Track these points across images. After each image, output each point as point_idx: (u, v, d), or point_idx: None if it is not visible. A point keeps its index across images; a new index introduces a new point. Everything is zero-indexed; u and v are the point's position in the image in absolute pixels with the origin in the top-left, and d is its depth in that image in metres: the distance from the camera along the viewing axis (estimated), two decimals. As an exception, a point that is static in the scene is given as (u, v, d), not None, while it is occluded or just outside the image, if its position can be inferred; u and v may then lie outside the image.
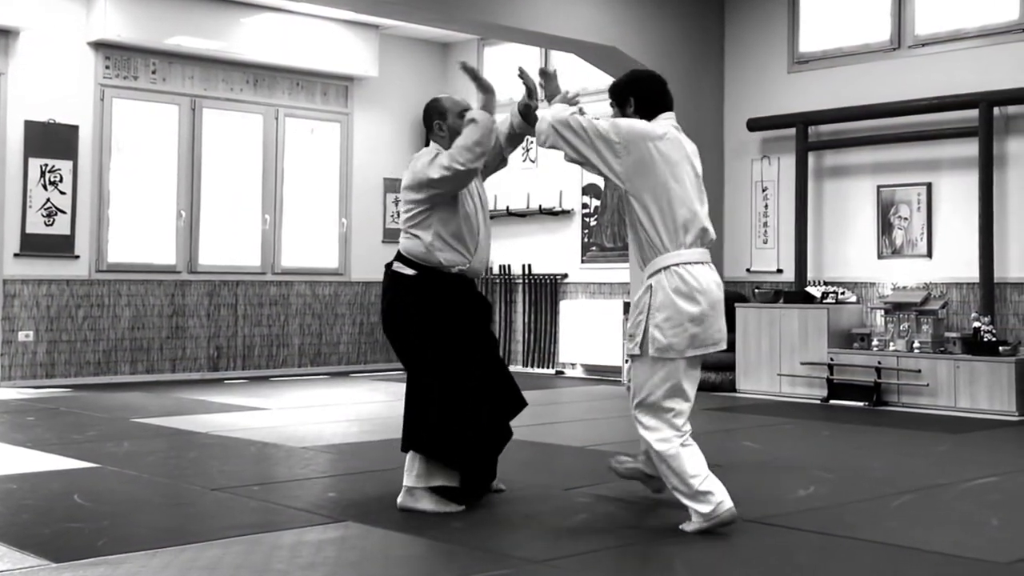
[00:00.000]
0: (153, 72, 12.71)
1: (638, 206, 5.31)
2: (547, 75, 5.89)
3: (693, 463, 5.15)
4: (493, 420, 5.77)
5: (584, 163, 5.40)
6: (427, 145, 5.96)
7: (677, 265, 5.28)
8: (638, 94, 5.58)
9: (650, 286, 5.28)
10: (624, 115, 5.53)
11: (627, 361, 5.47)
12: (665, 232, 5.30)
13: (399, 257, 5.75)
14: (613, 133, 5.31)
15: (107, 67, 12.38)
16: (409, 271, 5.69)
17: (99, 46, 12.31)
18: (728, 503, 5.10)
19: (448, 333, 5.67)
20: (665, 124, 5.53)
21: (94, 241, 12.21)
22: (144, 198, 12.67)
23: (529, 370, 13.81)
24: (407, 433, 5.62)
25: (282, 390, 11.62)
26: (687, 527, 5.12)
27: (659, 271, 5.28)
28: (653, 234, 5.30)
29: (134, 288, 12.50)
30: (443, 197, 5.69)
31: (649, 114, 5.53)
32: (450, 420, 5.57)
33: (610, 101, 5.66)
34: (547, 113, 5.46)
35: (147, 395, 11.00)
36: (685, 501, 5.13)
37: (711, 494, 5.09)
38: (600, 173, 5.36)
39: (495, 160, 6.12)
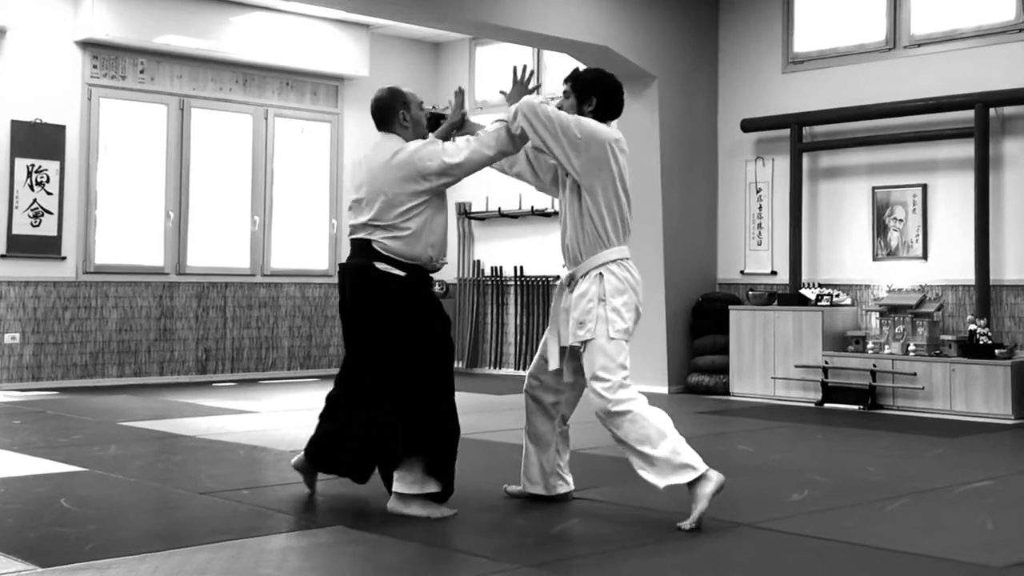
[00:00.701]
0: (141, 71, 12.70)
1: (590, 201, 5.57)
2: (457, 94, 6.20)
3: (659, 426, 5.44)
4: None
5: (546, 151, 5.62)
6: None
7: (625, 259, 5.62)
8: (603, 96, 5.74)
9: (600, 275, 5.54)
10: (580, 109, 5.70)
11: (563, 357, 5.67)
12: (612, 227, 5.59)
13: (380, 257, 5.60)
14: (576, 129, 5.52)
15: (95, 66, 12.37)
16: (398, 272, 5.61)
17: (86, 45, 12.30)
18: None
19: (438, 337, 5.70)
20: (616, 130, 5.73)
21: (81, 242, 12.20)
22: (132, 199, 12.66)
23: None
24: (410, 439, 5.49)
25: (271, 393, 11.61)
26: (699, 505, 5.30)
27: (609, 263, 5.56)
28: (601, 228, 5.58)
29: (122, 290, 12.48)
30: (440, 190, 5.71)
31: (605, 118, 5.73)
32: (448, 425, 5.59)
33: (566, 88, 5.78)
34: (521, 100, 5.63)
35: (135, 398, 10.99)
36: (673, 461, 5.34)
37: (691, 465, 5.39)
38: (559, 163, 5.60)
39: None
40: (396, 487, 5.54)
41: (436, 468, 5.54)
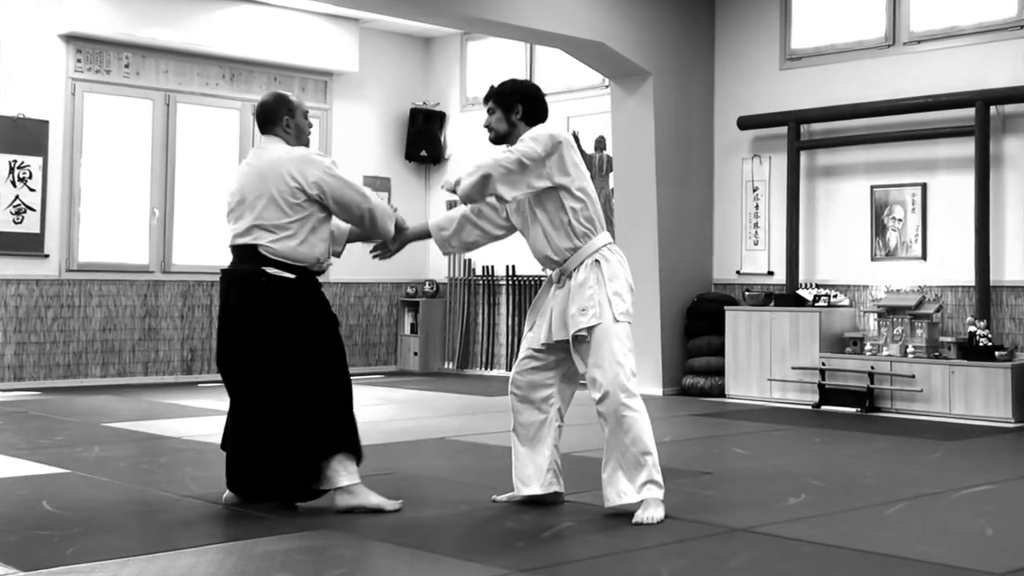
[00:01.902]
0: (126, 66, 12.68)
1: (570, 197, 5.62)
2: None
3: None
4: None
5: (535, 189, 5.63)
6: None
7: (612, 244, 5.72)
8: (526, 101, 5.80)
9: (596, 261, 5.61)
10: (508, 119, 5.76)
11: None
12: (594, 215, 5.69)
13: (268, 262, 5.67)
14: (540, 148, 5.56)
15: (79, 60, 12.35)
16: (288, 275, 5.69)
17: (70, 39, 12.28)
18: None
19: (331, 335, 5.80)
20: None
21: (64, 240, 12.18)
22: (116, 195, 12.64)
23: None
24: (329, 438, 5.63)
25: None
26: (654, 514, 5.43)
27: (600, 248, 5.65)
28: (585, 219, 5.65)
29: (105, 288, 12.47)
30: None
31: (534, 122, 5.77)
32: (353, 420, 5.75)
33: (489, 105, 5.83)
34: (468, 183, 5.55)
35: (118, 399, 10.98)
36: (653, 475, 5.47)
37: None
38: (538, 186, 5.60)
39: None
40: (338, 481, 5.62)
41: (358, 458, 5.74)
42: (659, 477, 5.50)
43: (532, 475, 5.81)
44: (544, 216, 5.67)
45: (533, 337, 5.79)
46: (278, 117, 5.94)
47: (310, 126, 6.08)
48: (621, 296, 5.59)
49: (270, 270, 5.66)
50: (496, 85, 5.85)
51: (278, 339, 5.63)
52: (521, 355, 5.87)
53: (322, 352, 5.71)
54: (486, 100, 5.86)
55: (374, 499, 5.67)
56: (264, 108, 6.00)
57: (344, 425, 5.70)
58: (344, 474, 5.63)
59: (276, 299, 5.66)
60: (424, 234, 6.09)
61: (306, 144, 5.99)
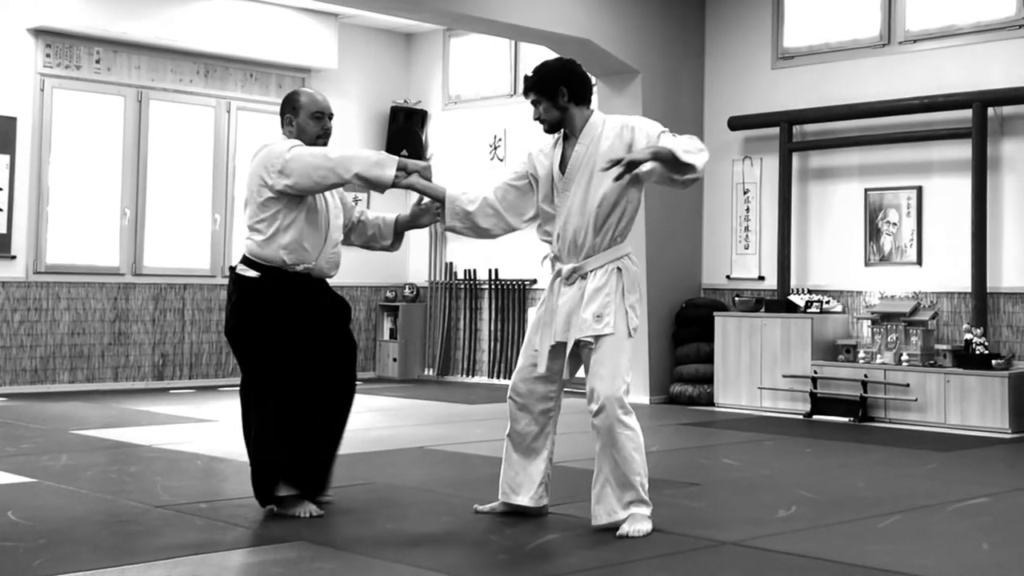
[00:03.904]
0: (97, 61, 12.66)
1: (636, 194, 5.68)
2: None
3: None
4: (325, 440, 5.96)
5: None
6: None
7: (632, 253, 5.75)
8: (570, 80, 5.75)
9: (618, 269, 5.62)
10: (558, 106, 5.69)
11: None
12: (628, 221, 5.71)
13: (244, 259, 5.87)
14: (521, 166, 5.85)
15: (48, 55, 12.32)
16: (252, 273, 5.82)
17: (40, 33, 12.25)
18: None
19: (288, 344, 5.81)
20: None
21: (32, 240, 12.15)
22: (86, 195, 12.60)
23: (496, 381, 13.80)
24: (257, 449, 5.87)
25: (231, 401, 11.57)
26: (641, 527, 5.42)
27: (623, 256, 5.67)
28: (620, 222, 5.66)
29: (74, 291, 12.44)
30: (288, 193, 5.80)
31: (583, 101, 5.76)
32: (275, 439, 5.79)
33: (532, 99, 5.75)
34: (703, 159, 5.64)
35: (87, 405, 10.95)
36: (640, 494, 5.48)
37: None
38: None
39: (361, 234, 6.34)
40: (279, 491, 5.81)
41: (259, 477, 5.86)
42: (646, 495, 5.50)
43: (523, 484, 5.80)
44: (584, 199, 5.60)
45: (541, 339, 5.71)
46: (283, 115, 6.05)
47: (323, 129, 6.03)
48: (635, 310, 5.63)
49: (239, 267, 5.86)
50: (531, 74, 5.78)
51: (237, 338, 5.91)
52: (524, 361, 5.82)
53: (268, 355, 5.82)
54: (526, 93, 5.78)
55: (290, 511, 5.80)
56: (280, 105, 6.14)
57: (266, 435, 5.83)
58: (282, 487, 5.82)
59: (236, 295, 5.89)
60: (437, 195, 5.83)
61: (320, 146, 5.99)
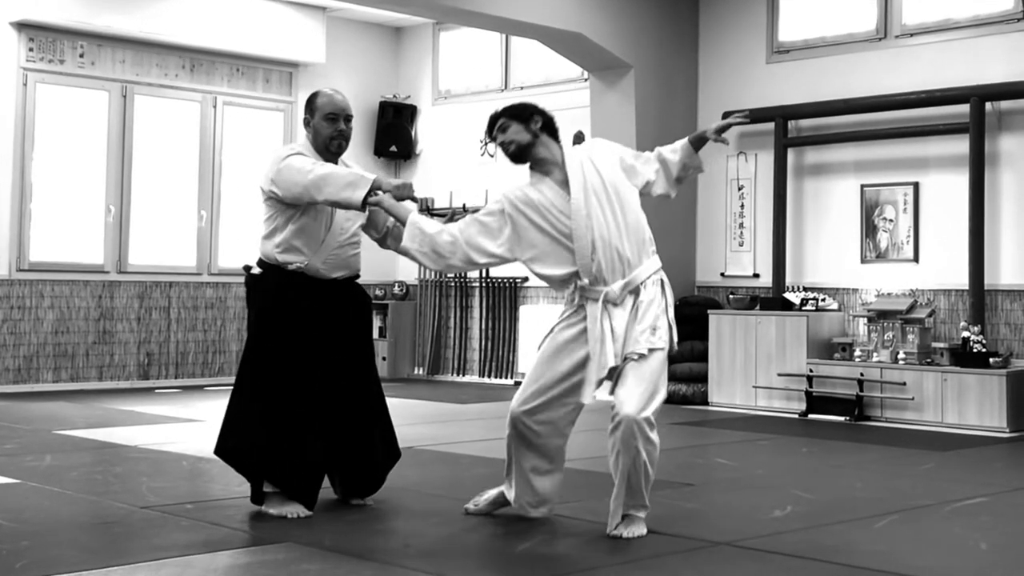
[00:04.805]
0: (81, 55, 12.64)
1: (636, 204, 5.69)
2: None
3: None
4: (331, 442, 6.02)
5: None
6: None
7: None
8: (540, 112, 5.74)
9: (662, 281, 5.61)
10: (530, 130, 5.64)
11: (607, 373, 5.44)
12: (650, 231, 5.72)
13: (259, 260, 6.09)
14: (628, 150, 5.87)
15: (31, 50, 12.30)
16: (256, 270, 6.03)
17: (22, 27, 12.23)
18: None
19: (285, 342, 5.91)
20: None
21: (14, 238, 12.13)
22: (70, 192, 12.58)
23: (487, 380, 13.81)
24: (219, 436, 6.07)
25: (218, 400, 11.56)
26: (636, 530, 5.40)
27: (660, 269, 5.66)
28: (647, 231, 5.70)
29: (58, 289, 12.42)
30: (282, 199, 5.94)
31: (554, 134, 5.79)
32: (262, 438, 5.87)
33: (502, 122, 5.71)
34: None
35: (71, 405, 10.94)
36: (644, 499, 5.46)
37: None
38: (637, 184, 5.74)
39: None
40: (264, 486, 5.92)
41: (244, 476, 5.99)
42: (648, 499, 5.48)
43: (544, 502, 5.77)
44: (614, 212, 5.55)
45: (589, 369, 5.50)
46: (304, 117, 6.18)
47: (336, 131, 6.08)
48: (674, 326, 5.61)
49: (253, 265, 6.07)
50: (498, 108, 5.77)
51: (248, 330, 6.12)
52: (536, 389, 5.61)
53: (259, 350, 5.96)
54: (493, 124, 5.70)
55: (272, 510, 5.85)
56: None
57: (235, 435, 5.98)
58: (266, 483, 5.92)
59: (246, 293, 6.12)
60: (400, 216, 5.73)
61: (320, 146, 6.09)
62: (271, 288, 5.97)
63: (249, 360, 5.99)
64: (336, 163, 6.11)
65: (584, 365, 5.50)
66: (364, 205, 5.69)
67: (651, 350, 5.40)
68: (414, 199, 5.93)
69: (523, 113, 5.66)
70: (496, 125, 5.70)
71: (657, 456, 5.42)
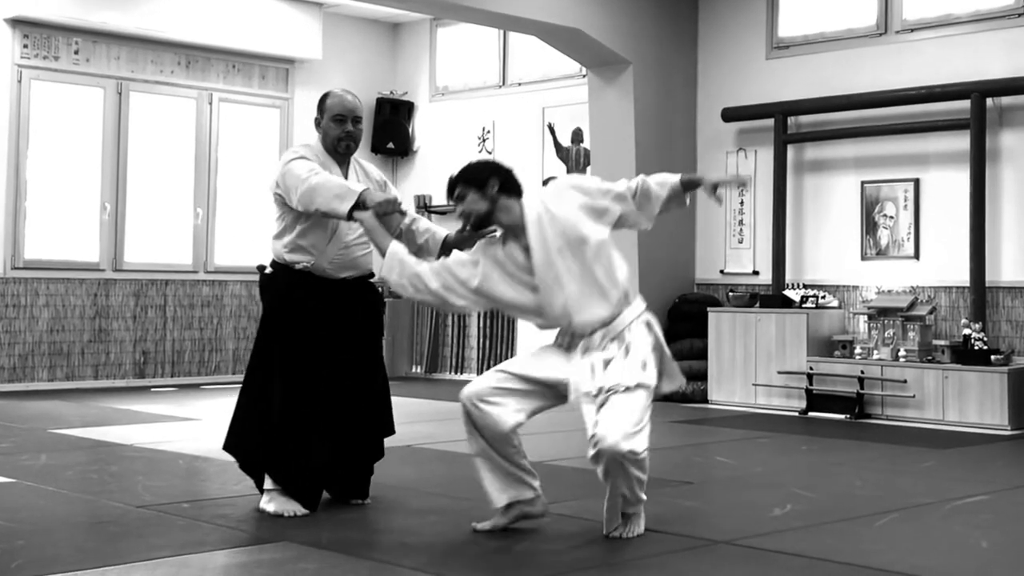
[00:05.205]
0: (76, 52, 12.63)
1: (610, 248, 5.54)
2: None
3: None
4: (340, 442, 6.05)
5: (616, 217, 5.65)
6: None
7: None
8: (499, 173, 5.57)
9: (648, 323, 5.57)
10: (486, 196, 5.46)
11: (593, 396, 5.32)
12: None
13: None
14: (595, 181, 5.77)
15: (25, 46, 12.29)
16: (269, 269, 6.14)
17: (16, 23, 12.23)
18: None
19: (289, 341, 5.96)
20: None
21: (9, 236, 12.12)
22: (65, 189, 12.58)
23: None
24: (227, 432, 6.12)
25: (214, 399, 11.57)
26: (633, 528, 5.40)
27: (644, 311, 5.60)
28: (625, 274, 5.59)
29: (53, 287, 12.42)
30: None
31: (516, 193, 5.56)
32: (267, 436, 5.90)
33: (458, 192, 5.54)
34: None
35: (67, 404, 10.94)
36: (640, 507, 5.43)
37: None
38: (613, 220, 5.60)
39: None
40: (266, 484, 5.97)
41: (248, 473, 6.04)
42: (644, 498, 5.44)
43: (522, 479, 5.61)
44: (579, 266, 5.40)
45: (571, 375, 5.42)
46: (315, 117, 6.21)
47: (344, 132, 6.06)
48: (675, 364, 5.66)
49: (266, 266, 6.20)
50: (453, 173, 5.63)
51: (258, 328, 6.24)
52: (510, 376, 5.52)
53: (264, 346, 6.05)
54: (451, 189, 5.59)
55: (272, 509, 5.87)
56: None
57: (242, 433, 6.05)
58: (267, 479, 5.98)
59: (261, 293, 6.26)
60: (380, 245, 5.63)
61: (329, 145, 6.11)
62: (280, 287, 6.05)
63: (256, 358, 6.06)
64: (347, 163, 6.13)
65: (562, 381, 5.41)
66: (350, 217, 5.69)
67: (639, 385, 5.29)
68: (402, 212, 5.94)
69: (478, 178, 5.49)
70: (454, 193, 5.58)
71: (647, 467, 5.32)
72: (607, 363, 5.33)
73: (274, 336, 6.00)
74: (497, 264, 5.47)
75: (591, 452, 5.17)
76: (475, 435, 5.51)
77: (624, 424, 5.15)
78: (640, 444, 5.18)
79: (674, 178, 5.74)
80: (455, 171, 5.64)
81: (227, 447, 6.10)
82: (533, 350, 5.63)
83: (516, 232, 5.46)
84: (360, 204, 5.63)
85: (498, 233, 5.55)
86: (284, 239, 6.02)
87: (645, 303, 5.62)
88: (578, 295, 5.37)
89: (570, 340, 5.45)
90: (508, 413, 5.39)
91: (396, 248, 5.57)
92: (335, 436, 6.00)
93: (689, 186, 5.77)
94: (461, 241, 5.99)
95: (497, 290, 5.47)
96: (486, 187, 5.46)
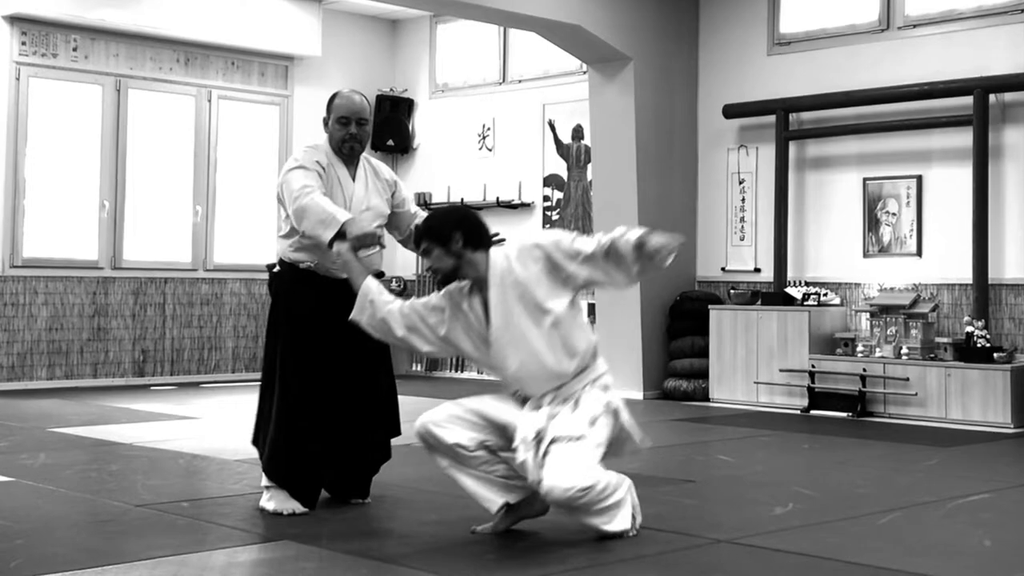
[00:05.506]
0: (74, 49, 12.63)
1: (573, 305, 5.45)
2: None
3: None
4: (339, 440, 6.08)
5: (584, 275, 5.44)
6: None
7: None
8: (462, 225, 5.49)
9: (606, 387, 5.44)
10: (450, 252, 5.41)
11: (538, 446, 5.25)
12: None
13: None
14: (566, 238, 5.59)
15: (23, 43, 12.29)
16: (277, 267, 6.15)
17: (14, 20, 12.23)
18: None
19: (291, 339, 6.02)
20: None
21: (8, 234, 12.13)
22: (64, 187, 12.58)
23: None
24: (254, 427, 6.24)
25: (214, 397, 11.58)
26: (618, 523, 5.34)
27: (607, 374, 5.51)
28: (588, 334, 5.48)
29: (52, 285, 12.42)
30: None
31: (480, 246, 5.49)
32: (277, 422, 5.97)
33: (424, 247, 5.50)
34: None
35: (66, 402, 10.94)
36: (616, 511, 5.37)
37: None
38: (575, 281, 5.42)
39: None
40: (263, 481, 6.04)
41: (266, 465, 6.00)
42: (619, 499, 5.34)
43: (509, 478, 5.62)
44: (558, 323, 5.34)
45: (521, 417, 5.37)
46: (324, 116, 6.23)
47: (348, 134, 6.07)
48: (634, 430, 5.48)
49: (276, 264, 6.20)
50: (420, 224, 5.63)
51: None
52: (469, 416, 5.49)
53: (272, 342, 6.15)
54: (417, 242, 5.61)
55: (271, 506, 5.91)
56: None
57: (258, 426, 6.15)
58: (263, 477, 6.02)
59: (269, 291, 6.32)
60: (354, 282, 5.63)
61: (335, 146, 6.13)
62: (285, 287, 6.09)
63: (265, 356, 6.20)
64: (355, 163, 6.16)
65: (511, 424, 5.37)
66: (331, 246, 5.73)
67: (582, 436, 5.21)
68: (382, 245, 5.97)
69: (441, 234, 5.42)
70: (420, 247, 5.58)
71: (607, 489, 5.22)
72: (553, 417, 5.28)
73: (276, 334, 6.07)
74: (461, 314, 5.48)
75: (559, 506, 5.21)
76: (436, 456, 5.52)
77: (568, 470, 5.10)
78: (586, 480, 5.10)
79: (632, 242, 5.40)
80: (421, 222, 5.65)
81: (253, 441, 6.21)
82: (495, 395, 5.57)
83: (481, 286, 5.44)
84: (342, 234, 5.67)
85: (466, 282, 5.52)
86: (290, 239, 6.03)
87: (607, 367, 5.51)
88: (531, 361, 5.34)
89: (524, 397, 5.45)
90: (453, 435, 5.39)
91: (368, 288, 5.57)
92: (334, 434, 6.01)
93: (639, 250, 5.41)
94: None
95: (460, 341, 5.50)
96: (450, 243, 5.41)
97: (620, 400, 5.47)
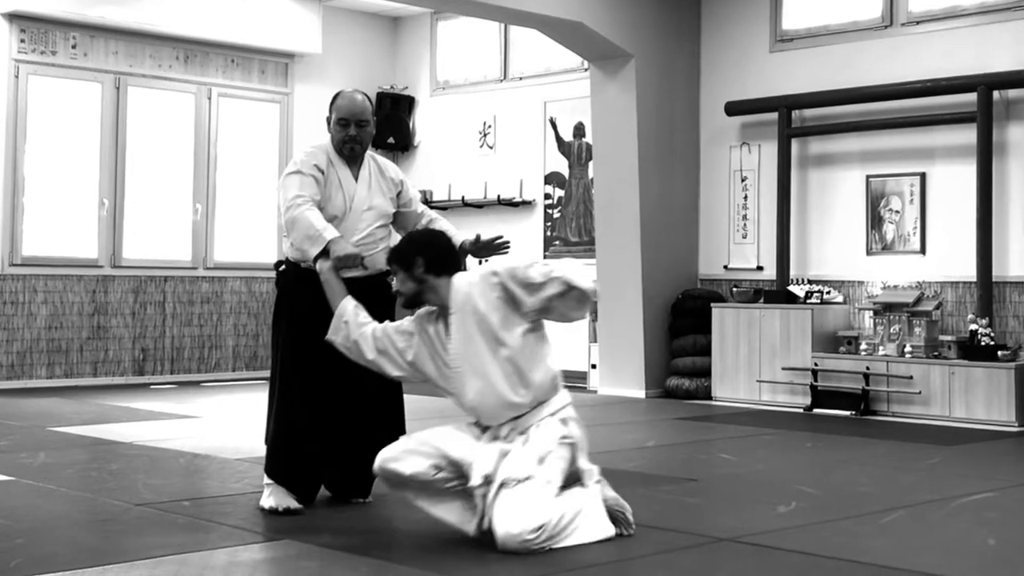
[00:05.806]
0: (73, 47, 12.64)
1: (541, 332, 5.46)
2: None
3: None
4: (338, 438, 6.10)
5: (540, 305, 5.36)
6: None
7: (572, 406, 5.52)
8: (425, 250, 5.51)
9: (563, 421, 5.38)
10: (413, 276, 5.45)
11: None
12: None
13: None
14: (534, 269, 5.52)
15: (22, 41, 12.29)
16: (283, 265, 6.18)
17: (13, 18, 12.23)
18: None
19: (291, 338, 6.06)
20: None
21: (7, 232, 12.13)
22: (63, 185, 12.58)
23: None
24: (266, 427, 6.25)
25: (214, 396, 11.58)
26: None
27: (569, 405, 5.46)
28: (548, 364, 5.45)
29: (51, 284, 12.43)
30: None
31: (445, 271, 5.50)
32: (276, 427, 6.03)
33: (392, 267, 5.56)
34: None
35: (66, 401, 10.95)
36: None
37: None
38: (531, 312, 5.35)
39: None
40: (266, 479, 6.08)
41: (266, 462, 6.04)
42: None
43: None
44: (518, 353, 5.34)
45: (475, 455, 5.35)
46: (327, 115, 6.27)
47: (347, 136, 6.10)
48: (591, 469, 5.42)
49: (282, 263, 6.23)
50: (391, 250, 5.66)
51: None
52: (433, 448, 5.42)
53: (278, 342, 6.17)
54: (388, 263, 5.66)
55: (269, 504, 5.92)
56: None
57: (268, 420, 6.17)
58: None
59: (276, 287, 6.33)
60: (332, 301, 5.69)
61: (336, 145, 6.16)
62: (287, 285, 6.12)
63: (272, 355, 6.27)
64: (359, 163, 6.17)
65: (466, 461, 5.34)
66: (315, 263, 5.78)
67: (528, 477, 5.15)
68: (364, 268, 5.95)
69: (405, 259, 5.46)
70: (390, 269, 5.64)
71: (560, 526, 5.17)
72: (504, 455, 5.26)
73: (278, 332, 6.12)
74: (427, 340, 5.51)
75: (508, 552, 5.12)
76: (401, 492, 5.49)
77: (516, 515, 5.07)
78: (535, 520, 5.06)
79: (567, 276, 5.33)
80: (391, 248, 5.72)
81: (265, 440, 6.22)
82: (454, 425, 5.57)
83: (444, 312, 5.46)
84: (326, 252, 5.71)
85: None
86: (291, 236, 6.00)
87: (569, 399, 5.48)
88: (487, 391, 5.35)
89: (483, 426, 5.46)
90: (409, 465, 5.34)
91: (344, 308, 5.62)
92: (335, 433, 6.02)
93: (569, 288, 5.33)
94: (477, 250, 6.14)
95: (425, 366, 5.52)
96: (413, 267, 5.44)
97: (579, 432, 5.42)
